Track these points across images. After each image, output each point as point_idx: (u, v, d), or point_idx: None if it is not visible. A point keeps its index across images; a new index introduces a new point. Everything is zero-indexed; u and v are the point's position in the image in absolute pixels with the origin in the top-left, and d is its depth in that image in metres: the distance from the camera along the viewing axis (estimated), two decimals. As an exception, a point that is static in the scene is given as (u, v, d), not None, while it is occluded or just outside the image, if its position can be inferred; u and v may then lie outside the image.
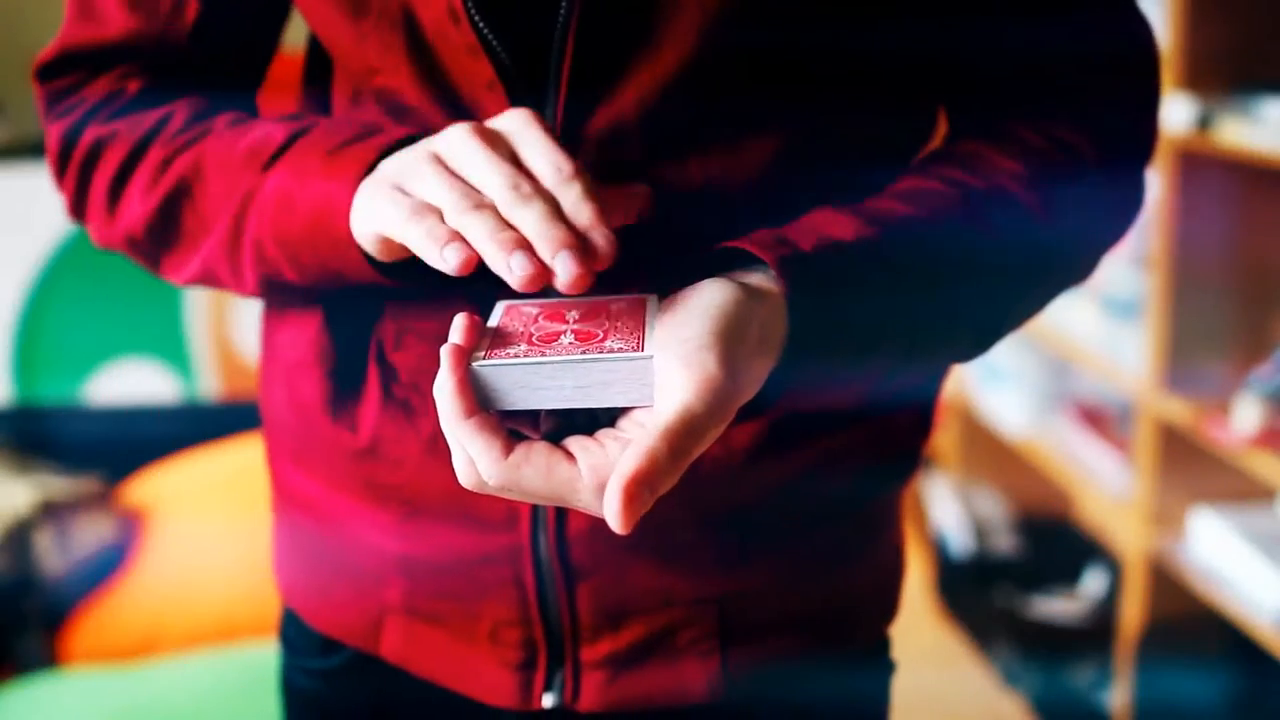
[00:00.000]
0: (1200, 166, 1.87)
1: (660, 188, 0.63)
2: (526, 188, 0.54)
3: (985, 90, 0.70)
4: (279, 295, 0.71)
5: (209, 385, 2.38)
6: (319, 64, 0.73)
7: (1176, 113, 1.80)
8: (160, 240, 0.71)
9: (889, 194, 0.65)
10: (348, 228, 0.60)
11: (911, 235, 0.62)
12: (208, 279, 0.70)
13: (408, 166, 0.58)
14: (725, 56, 0.62)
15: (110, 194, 0.71)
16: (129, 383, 2.33)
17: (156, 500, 2.04)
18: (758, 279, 0.57)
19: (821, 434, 0.69)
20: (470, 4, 0.61)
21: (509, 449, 0.51)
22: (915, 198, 0.64)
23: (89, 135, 0.72)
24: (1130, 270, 2.10)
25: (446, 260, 0.52)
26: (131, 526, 1.98)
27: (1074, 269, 0.71)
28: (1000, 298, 0.67)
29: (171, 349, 2.36)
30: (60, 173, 0.74)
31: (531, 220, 0.53)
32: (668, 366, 0.51)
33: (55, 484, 1.93)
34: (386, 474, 0.70)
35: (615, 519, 0.48)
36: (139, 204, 0.70)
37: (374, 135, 0.62)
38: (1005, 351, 2.45)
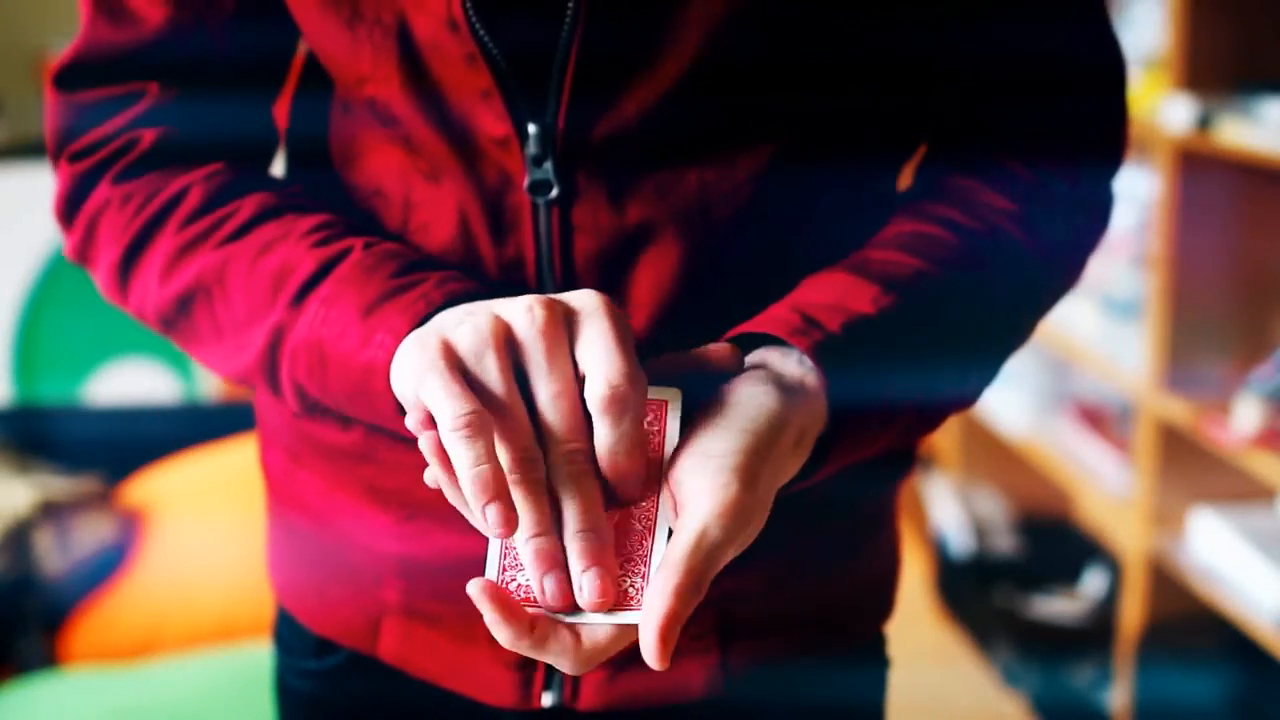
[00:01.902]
0: (1200, 166, 1.87)
1: (656, 195, 0.64)
2: (581, 457, 0.52)
3: (967, 109, 0.71)
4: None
5: (209, 385, 2.38)
6: (313, 74, 0.72)
7: (1176, 113, 1.80)
8: (172, 328, 0.69)
9: (892, 242, 0.65)
10: (390, 401, 0.58)
11: (925, 296, 0.62)
12: (237, 383, 0.69)
13: (473, 344, 0.53)
14: (728, 64, 0.62)
15: (120, 270, 0.69)
16: (129, 383, 2.33)
17: (156, 500, 2.04)
18: (792, 369, 0.57)
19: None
20: (471, 12, 0.61)
21: (577, 643, 0.53)
22: (918, 247, 0.64)
23: (99, 195, 0.69)
24: (1130, 270, 2.10)
25: (487, 519, 0.51)
26: (131, 526, 1.98)
27: (1064, 287, 0.73)
28: (1005, 333, 0.69)
29: (171, 349, 2.36)
30: (67, 221, 0.71)
31: (574, 512, 0.52)
32: (690, 484, 0.52)
33: (55, 484, 1.93)
34: (385, 478, 0.70)
35: (653, 660, 0.49)
36: (153, 292, 0.67)
37: (413, 288, 0.59)
38: (1005, 351, 2.45)
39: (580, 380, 0.54)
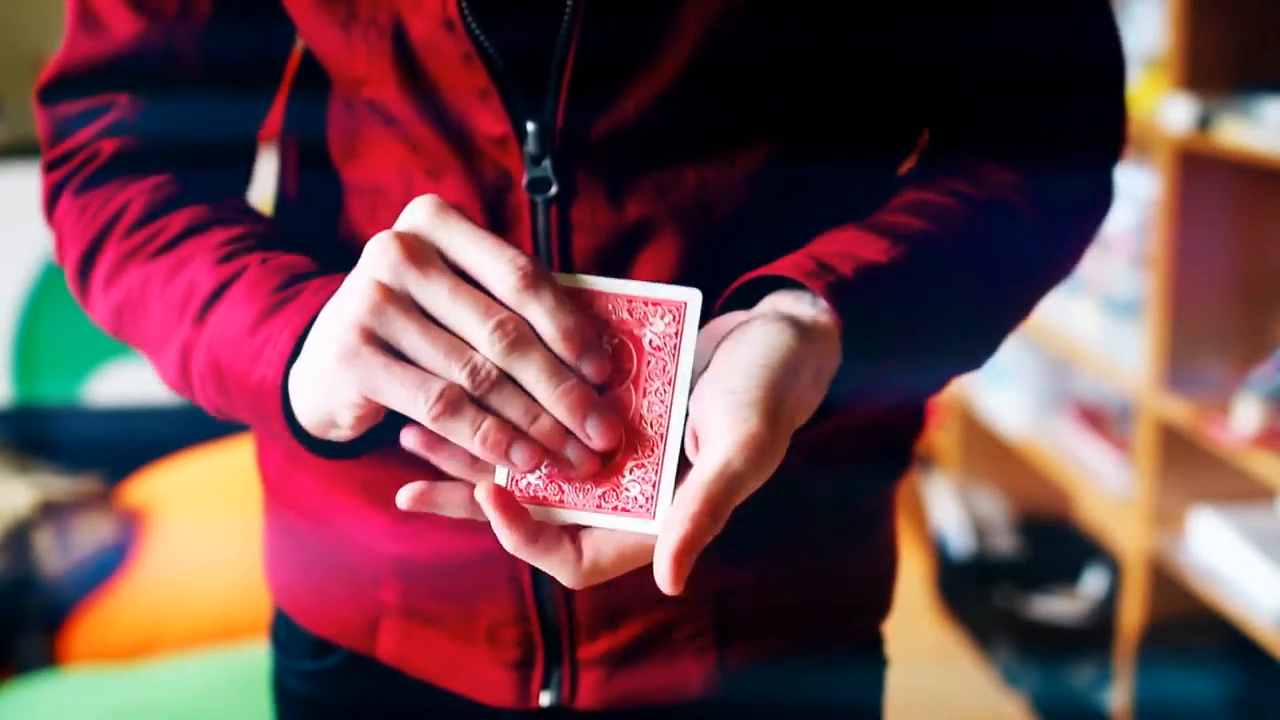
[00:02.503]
0: (1200, 166, 1.87)
1: (655, 193, 0.64)
2: (510, 326, 0.52)
3: (968, 107, 0.71)
4: None
5: (209, 385, 2.38)
6: (312, 70, 0.72)
7: (1176, 113, 1.80)
8: (119, 337, 0.70)
9: (899, 207, 0.65)
10: (281, 423, 0.58)
11: (934, 252, 0.62)
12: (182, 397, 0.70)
13: (372, 309, 0.52)
14: (726, 62, 0.62)
15: (79, 280, 0.70)
16: (129, 383, 2.33)
17: (156, 500, 2.04)
18: (806, 310, 0.57)
19: (814, 432, 0.69)
20: (466, 11, 0.61)
21: (579, 557, 0.53)
22: (926, 211, 0.65)
23: (63, 206, 0.71)
24: (1130, 270, 2.10)
25: (517, 463, 0.52)
26: (131, 526, 1.98)
27: (1066, 268, 0.73)
28: (1009, 303, 0.69)
29: (171, 349, 2.35)
30: (48, 222, 0.73)
31: (537, 377, 0.52)
32: (711, 420, 0.52)
33: (55, 484, 1.93)
34: (382, 477, 0.70)
35: (666, 585, 0.49)
36: (99, 303, 0.69)
37: (292, 301, 0.59)
38: (1005, 351, 2.45)
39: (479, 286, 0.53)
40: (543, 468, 0.54)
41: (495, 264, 0.52)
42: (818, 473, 0.70)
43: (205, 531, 1.96)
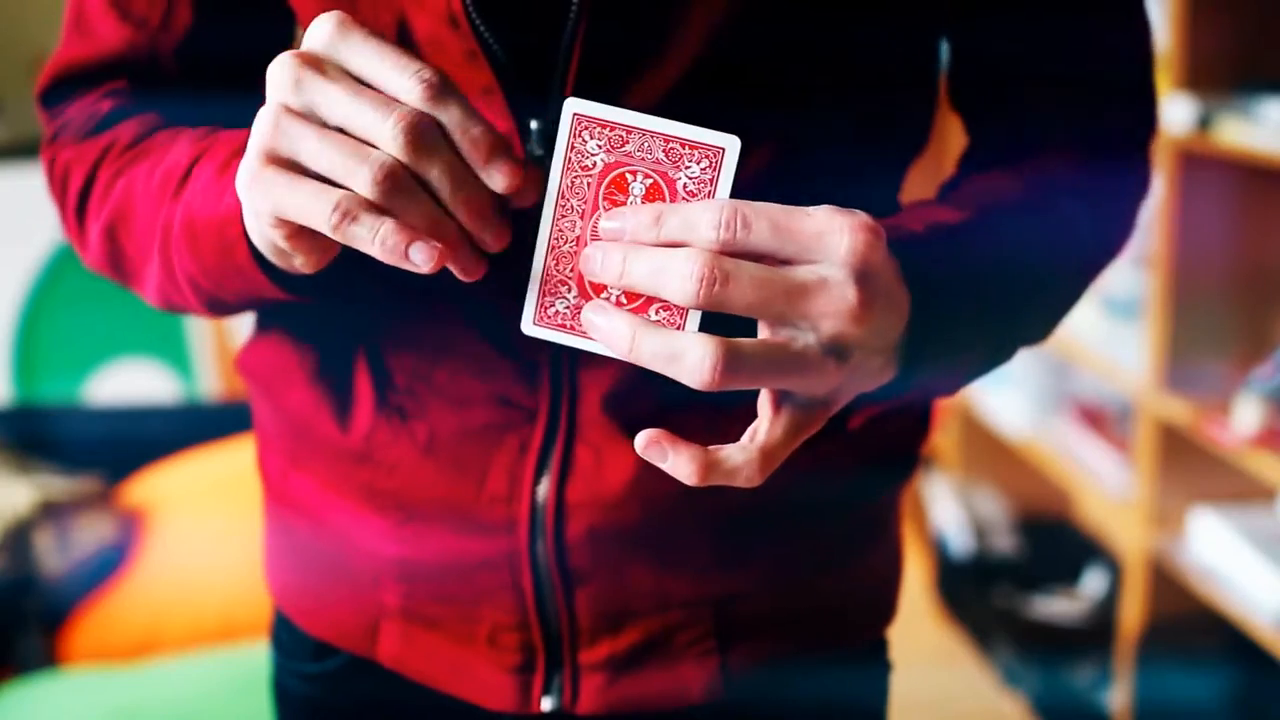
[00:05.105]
0: (1200, 166, 1.87)
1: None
2: (413, 119, 0.50)
3: (1002, 102, 0.71)
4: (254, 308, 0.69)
5: (209, 385, 2.38)
6: None
7: (1176, 113, 1.80)
8: (116, 267, 0.70)
9: (954, 200, 0.66)
10: (244, 249, 0.58)
11: (998, 220, 0.63)
12: (173, 308, 0.69)
13: (278, 130, 0.51)
14: (731, 62, 0.62)
15: (78, 221, 0.71)
16: (129, 383, 2.33)
17: (156, 500, 2.04)
18: None
19: (819, 436, 0.69)
20: (471, 9, 0.61)
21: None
22: (973, 200, 0.65)
23: (60, 162, 0.72)
24: (1130, 270, 2.10)
25: (419, 262, 0.50)
26: (131, 526, 1.98)
27: (1102, 266, 0.73)
28: (1055, 292, 0.69)
29: (171, 349, 2.36)
30: (51, 188, 0.74)
31: (440, 175, 0.51)
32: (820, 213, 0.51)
33: (55, 484, 1.93)
34: (382, 479, 0.70)
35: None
36: (93, 236, 0.69)
37: None
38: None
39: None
40: (570, 296, 0.54)
41: (399, 76, 0.51)
42: (821, 478, 0.70)
43: (205, 531, 1.96)
